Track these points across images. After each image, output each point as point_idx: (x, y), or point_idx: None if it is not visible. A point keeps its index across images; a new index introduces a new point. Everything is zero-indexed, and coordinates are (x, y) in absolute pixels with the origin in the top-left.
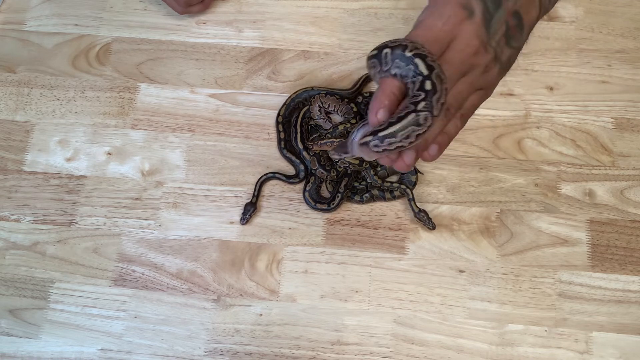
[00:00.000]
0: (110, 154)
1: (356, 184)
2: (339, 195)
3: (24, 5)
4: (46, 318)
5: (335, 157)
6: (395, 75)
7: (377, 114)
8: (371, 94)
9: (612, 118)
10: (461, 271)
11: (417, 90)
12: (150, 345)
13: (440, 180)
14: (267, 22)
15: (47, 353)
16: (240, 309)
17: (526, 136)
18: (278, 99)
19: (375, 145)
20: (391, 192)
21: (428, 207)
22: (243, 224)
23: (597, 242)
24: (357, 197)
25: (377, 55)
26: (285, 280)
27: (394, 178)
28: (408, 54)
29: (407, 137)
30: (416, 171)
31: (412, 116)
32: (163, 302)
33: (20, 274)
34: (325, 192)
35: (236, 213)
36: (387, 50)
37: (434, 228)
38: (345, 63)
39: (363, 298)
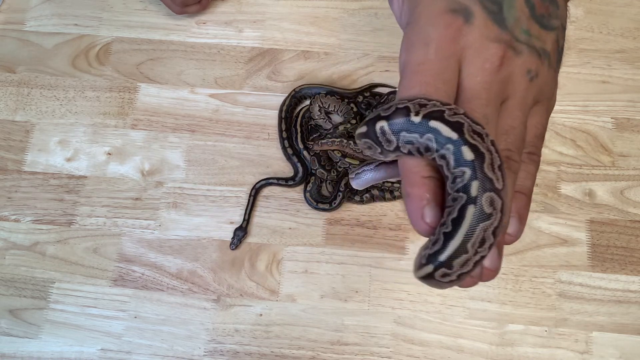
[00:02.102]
0: (110, 154)
1: None
2: (340, 194)
3: (24, 5)
4: (46, 318)
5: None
6: (410, 153)
7: (424, 217)
8: (372, 94)
9: (612, 118)
10: None
11: (455, 167)
12: (150, 345)
13: None
14: (267, 22)
15: (47, 353)
16: (240, 309)
17: None
18: (278, 99)
19: (445, 275)
20: (391, 192)
21: None
22: (233, 250)
23: (597, 242)
24: (357, 197)
25: (368, 133)
26: (285, 280)
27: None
28: (415, 119)
29: (482, 242)
30: None
31: (471, 211)
32: (163, 302)
33: (20, 274)
34: (325, 192)
35: (236, 213)
36: (381, 124)
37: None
38: (345, 63)
39: (363, 298)
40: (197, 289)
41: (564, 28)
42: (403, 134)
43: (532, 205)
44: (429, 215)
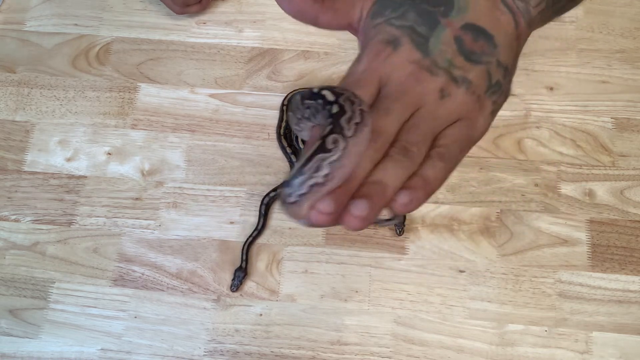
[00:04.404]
0: (110, 154)
1: None
2: None
3: (24, 5)
4: (46, 318)
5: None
6: (308, 118)
7: None
8: None
9: (612, 118)
10: (461, 271)
11: (326, 119)
12: (150, 345)
13: None
14: (267, 22)
15: (47, 353)
16: (240, 309)
17: (526, 136)
18: (278, 99)
19: (288, 195)
20: None
21: (428, 207)
22: (233, 291)
23: (597, 242)
24: None
25: (290, 106)
26: (285, 280)
27: None
28: (315, 90)
29: (317, 169)
30: None
31: (316, 144)
32: (163, 302)
33: (20, 274)
34: None
35: (236, 213)
36: (297, 96)
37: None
38: (345, 63)
39: (363, 298)
40: (197, 289)
41: (501, 65)
42: (306, 101)
43: (532, 205)
44: None
